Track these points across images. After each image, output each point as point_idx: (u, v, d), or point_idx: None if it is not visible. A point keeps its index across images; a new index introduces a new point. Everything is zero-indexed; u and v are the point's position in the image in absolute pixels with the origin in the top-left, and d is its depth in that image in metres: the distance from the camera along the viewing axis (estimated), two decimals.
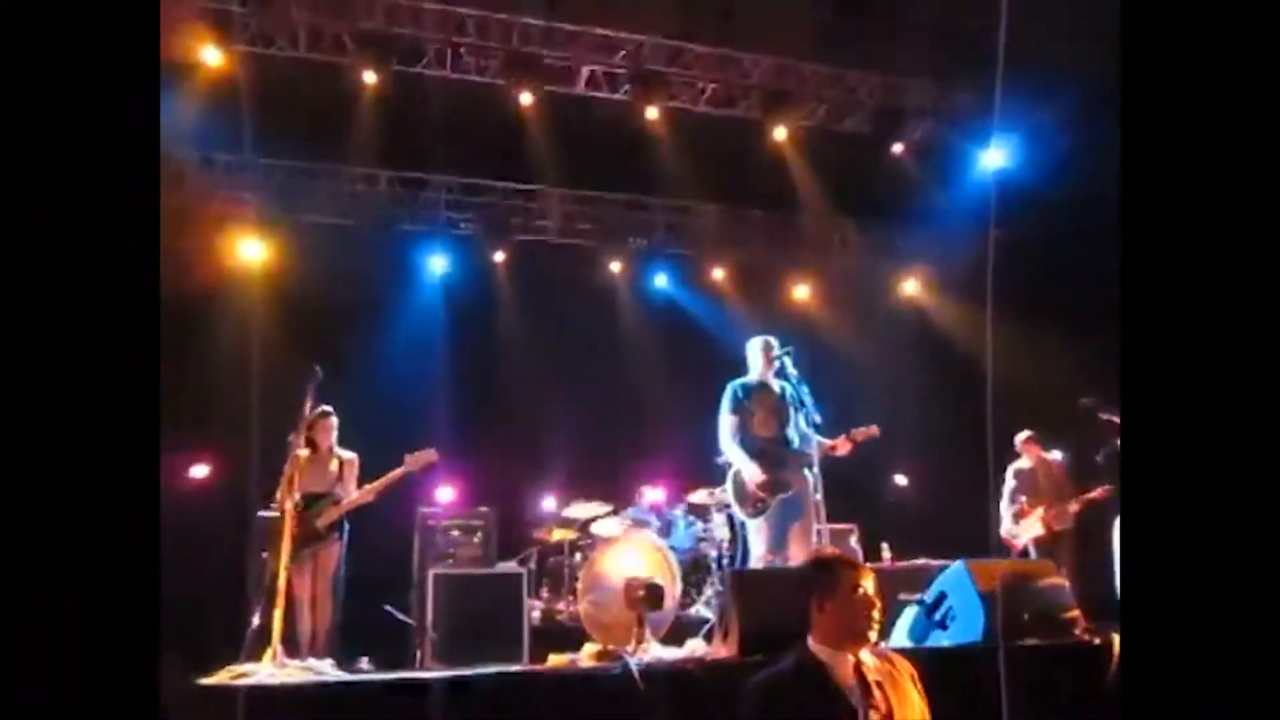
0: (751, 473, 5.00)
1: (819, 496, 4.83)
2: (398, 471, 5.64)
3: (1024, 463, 7.16)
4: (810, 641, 2.53)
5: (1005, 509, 7.04)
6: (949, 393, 8.76)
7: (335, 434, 5.83)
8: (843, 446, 5.19)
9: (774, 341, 5.35)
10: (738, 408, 5.17)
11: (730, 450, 5.14)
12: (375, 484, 5.66)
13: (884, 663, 2.54)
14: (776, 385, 5.20)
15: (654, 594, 4.71)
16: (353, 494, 5.68)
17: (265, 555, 5.31)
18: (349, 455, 5.87)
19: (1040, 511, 6.87)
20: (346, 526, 5.76)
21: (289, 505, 5.28)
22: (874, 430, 5.37)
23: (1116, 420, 6.48)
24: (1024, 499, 6.98)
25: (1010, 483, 7.12)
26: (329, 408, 5.71)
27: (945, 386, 9.12)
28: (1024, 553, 6.88)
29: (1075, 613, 4.15)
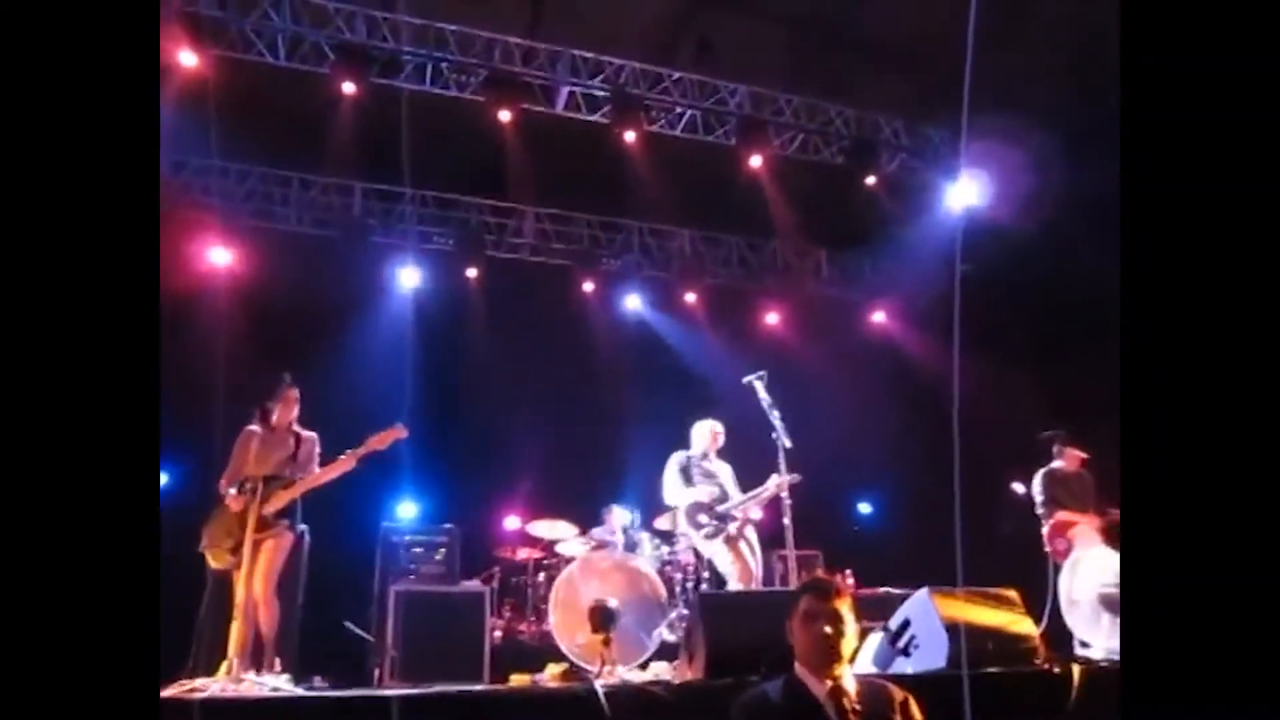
0: (697, 494, 5.63)
1: (787, 520, 4.88)
2: (360, 449, 4.85)
3: (1060, 466, 6.53)
4: (796, 665, 2.55)
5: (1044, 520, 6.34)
6: (915, 422, 8.85)
7: (296, 409, 5.04)
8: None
9: (719, 427, 5.93)
10: (681, 472, 5.81)
11: (675, 494, 5.75)
12: (333, 464, 4.88)
13: (871, 689, 2.53)
14: (715, 464, 5.80)
15: (606, 616, 4.66)
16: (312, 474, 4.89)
17: (202, 549, 4.75)
18: (309, 434, 5.06)
19: (1097, 520, 6.18)
20: (304, 527, 5.07)
21: (232, 490, 4.67)
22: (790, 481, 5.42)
23: (1079, 453, 6.59)
24: (1060, 509, 6.30)
25: (1041, 492, 6.45)
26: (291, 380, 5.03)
27: (912, 415, 9.21)
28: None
29: (1036, 642, 4.20)
